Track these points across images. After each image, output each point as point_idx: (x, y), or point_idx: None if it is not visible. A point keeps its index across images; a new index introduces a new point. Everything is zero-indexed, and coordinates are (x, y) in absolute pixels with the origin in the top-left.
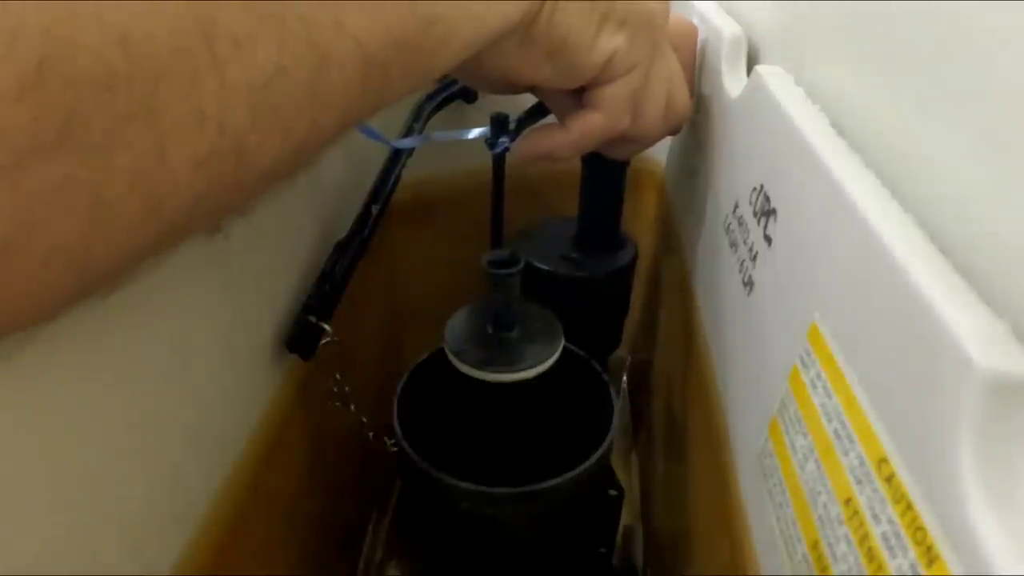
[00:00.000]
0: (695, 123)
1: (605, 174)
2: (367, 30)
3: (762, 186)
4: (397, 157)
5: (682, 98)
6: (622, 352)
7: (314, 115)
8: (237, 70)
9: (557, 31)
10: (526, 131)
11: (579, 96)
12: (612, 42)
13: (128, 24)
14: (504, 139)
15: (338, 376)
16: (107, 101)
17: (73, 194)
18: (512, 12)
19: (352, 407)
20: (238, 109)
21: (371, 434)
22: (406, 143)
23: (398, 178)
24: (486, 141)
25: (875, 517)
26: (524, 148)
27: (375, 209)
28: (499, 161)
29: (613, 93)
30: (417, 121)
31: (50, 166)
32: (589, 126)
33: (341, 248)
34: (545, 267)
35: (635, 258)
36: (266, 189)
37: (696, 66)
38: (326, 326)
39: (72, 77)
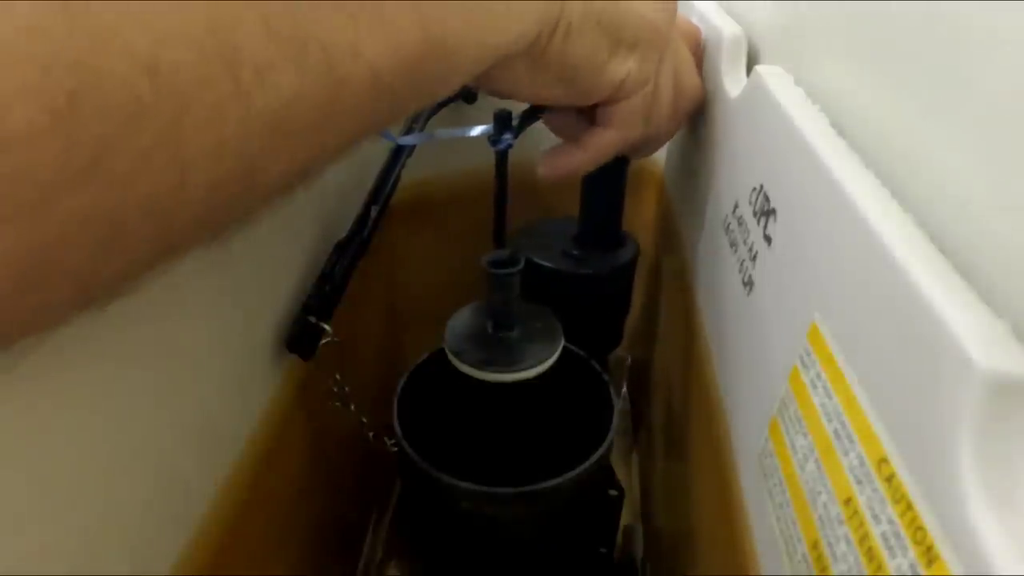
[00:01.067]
0: (695, 123)
1: (606, 172)
2: (381, 55)
3: (762, 186)
4: (397, 157)
5: (692, 85)
6: (622, 352)
7: (323, 139)
8: (260, 99)
9: (569, 59)
10: (545, 151)
11: (590, 109)
12: (624, 66)
13: (155, 54)
14: (507, 136)
15: (338, 376)
16: (135, 132)
17: (92, 224)
18: (522, 37)
19: (352, 407)
20: (256, 134)
21: (371, 434)
22: (409, 140)
23: (398, 178)
24: (489, 138)
25: (875, 517)
26: (547, 171)
27: (375, 209)
28: (502, 158)
29: (625, 111)
30: (417, 121)
31: (75, 199)
32: (605, 143)
33: (341, 248)
34: (547, 264)
35: (637, 255)
36: (268, 204)
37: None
38: (326, 326)
39: (102, 109)
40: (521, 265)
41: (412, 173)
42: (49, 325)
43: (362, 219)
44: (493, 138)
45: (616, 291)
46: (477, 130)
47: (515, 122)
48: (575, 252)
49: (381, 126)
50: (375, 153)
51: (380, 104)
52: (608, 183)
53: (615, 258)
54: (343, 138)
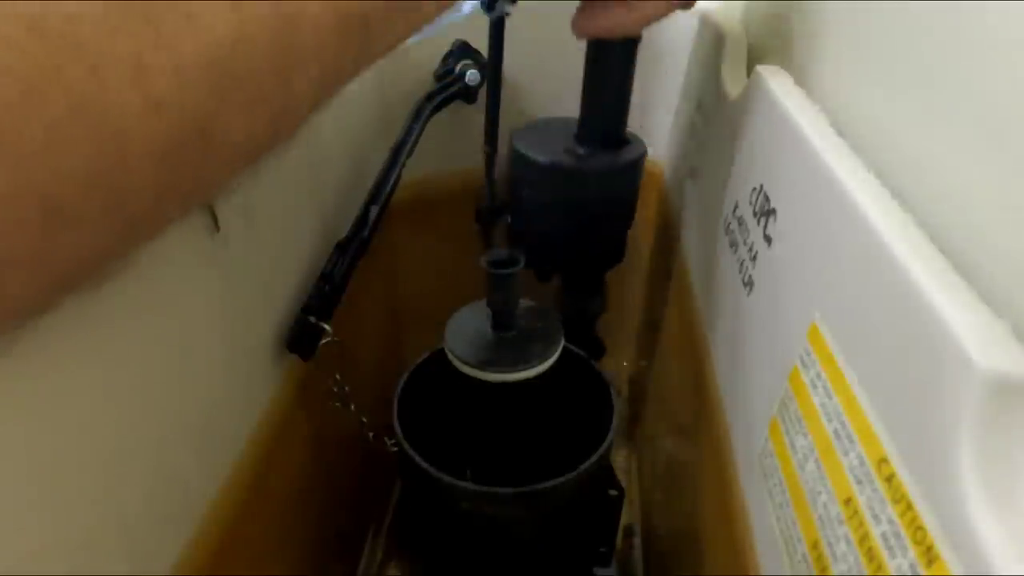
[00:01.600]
0: (695, 123)
1: (613, 57)
2: None
3: (762, 186)
4: (397, 157)
5: None
6: (622, 353)
7: (287, 83)
8: (192, 46)
9: None
10: (580, 7)
11: None
12: None
13: (42, 11)
14: (503, 1)
15: (338, 376)
16: (40, 96)
17: (21, 202)
18: None
19: (352, 407)
20: (198, 88)
21: (371, 434)
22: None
23: (398, 178)
24: (483, 4)
25: (875, 517)
26: (584, 26)
27: (375, 210)
28: (497, 29)
29: None
30: (417, 121)
31: None
32: (656, 4)
33: (341, 248)
34: (546, 160)
35: (643, 156)
36: (241, 169)
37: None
38: (326, 326)
39: None
40: (521, 265)
41: (412, 173)
42: (14, 316)
43: (362, 219)
44: (487, 3)
45: (620, 193)
46: (467, 6)
47: None
48: (577, 149)
49: (361, 61)
50: (375, 153)
51: (350, 38)
52: (615, 69)
53: (620, 156)
54: (313, 80)
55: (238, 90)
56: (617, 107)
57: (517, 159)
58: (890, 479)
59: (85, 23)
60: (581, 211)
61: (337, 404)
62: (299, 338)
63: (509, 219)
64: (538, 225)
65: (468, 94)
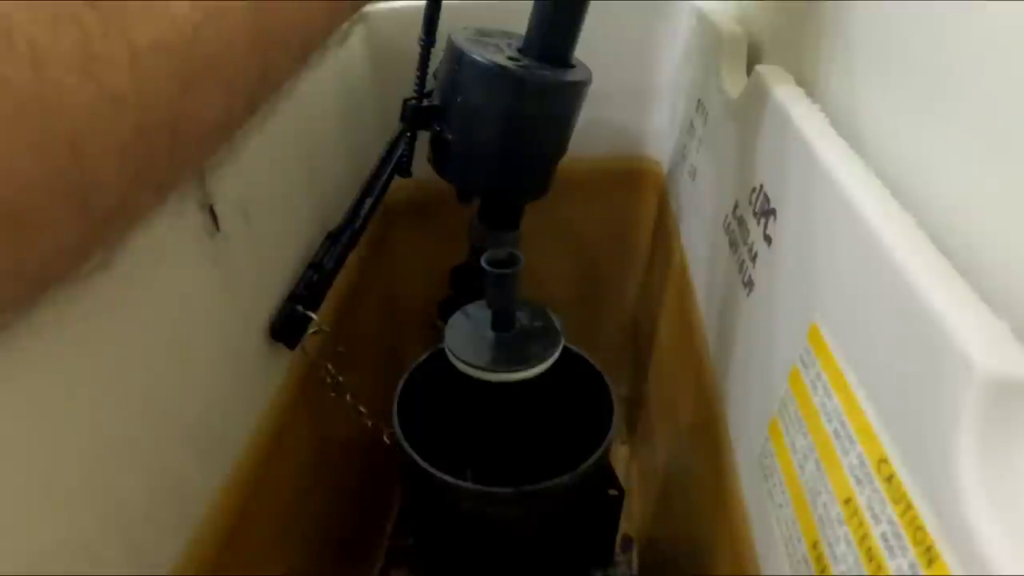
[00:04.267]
0: (695, 123)
1: None
2: None
3: (762, 186)
4: (393, 149)
5: None
6: (622, 352)
7: (266, 56)
8: (151, 29)
9: None
10: None
11: None
12: None
13: None
14: None
15: (329, 366)
16: None
17: None
18: None
19: (348, 396)
20: (160, 76)
21: (370, 423)
22: None
23: (394, 170)
24: None
25: (875, 517)
26: None
27: (368, 202)
28: None
29: None
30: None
31: None
32: None
33: (332, 238)
34: (487, 62)
35: (588, 81)
36: (221, 143)
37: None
38: (312, 315)
39: None
40: (521, 265)
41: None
42: None
43: (355, 209)
44: None
45: (559, 114)
46: None
47: None
48: (520, 59)
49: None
50: (374, 154)
51: None
52: None
53: (565, 74)
54: (300, 48)
55: (209, 72)
56: (569, 25)
57: (456, 59)
58: (890, 479)
59: (15, 14)
60: (514, 124)
61: (332, 394)
62: (284, 326)
63: (438, 128)
64: (466, 134)
65: None
